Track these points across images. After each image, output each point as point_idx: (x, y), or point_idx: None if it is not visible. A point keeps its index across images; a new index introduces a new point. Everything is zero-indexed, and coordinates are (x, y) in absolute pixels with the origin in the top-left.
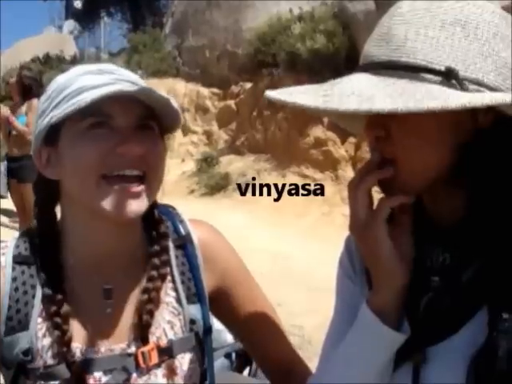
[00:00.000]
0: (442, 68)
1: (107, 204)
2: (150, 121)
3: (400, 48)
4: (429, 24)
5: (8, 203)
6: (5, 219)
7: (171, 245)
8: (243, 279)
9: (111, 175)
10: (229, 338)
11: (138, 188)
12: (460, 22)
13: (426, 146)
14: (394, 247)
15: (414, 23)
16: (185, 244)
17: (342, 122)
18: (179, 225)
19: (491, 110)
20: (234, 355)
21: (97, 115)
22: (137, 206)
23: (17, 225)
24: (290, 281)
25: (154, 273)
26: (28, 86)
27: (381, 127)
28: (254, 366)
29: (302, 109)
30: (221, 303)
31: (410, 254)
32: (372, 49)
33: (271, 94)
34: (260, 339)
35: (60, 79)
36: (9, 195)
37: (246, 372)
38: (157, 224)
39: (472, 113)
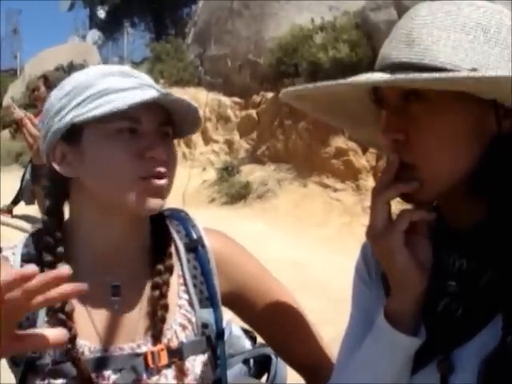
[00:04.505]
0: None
1: (135, 200)
2: (168, 126)
3: (422, 50)
4: (450, 27)
5: (29, 209)
6: (27, 225)
7: (183, 249)
8: (262, 283)
9: (147, 176)
10: (247, 344)
11: (162, 182)
12: (481, 25)
13: (446, 150)
14: (412, 254)
15: (436, 26)
16: (196, 247)
17: (355, 130)
18: (191, 229)
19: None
20: (252, 361)
21: (126, 119)
22: (159, 201)
23: None
24: (309, 290)
25: (161, 266)
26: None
27: (400, 131)
28: (272, 372)
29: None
30: (241, 306)
31: (428, 260)
32: (391, 51)
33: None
34: (285, 339)
35: (79, 77)
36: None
37: (263, 379)
38: (162, 221)
39: (494, 117)
